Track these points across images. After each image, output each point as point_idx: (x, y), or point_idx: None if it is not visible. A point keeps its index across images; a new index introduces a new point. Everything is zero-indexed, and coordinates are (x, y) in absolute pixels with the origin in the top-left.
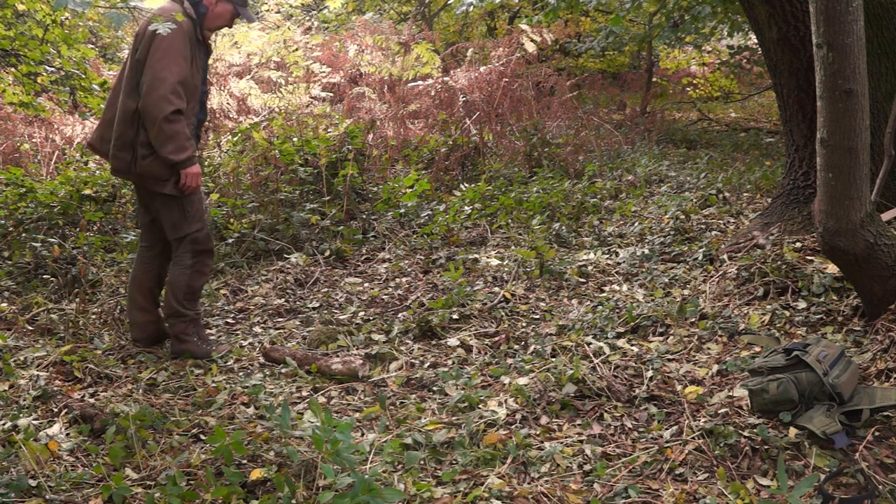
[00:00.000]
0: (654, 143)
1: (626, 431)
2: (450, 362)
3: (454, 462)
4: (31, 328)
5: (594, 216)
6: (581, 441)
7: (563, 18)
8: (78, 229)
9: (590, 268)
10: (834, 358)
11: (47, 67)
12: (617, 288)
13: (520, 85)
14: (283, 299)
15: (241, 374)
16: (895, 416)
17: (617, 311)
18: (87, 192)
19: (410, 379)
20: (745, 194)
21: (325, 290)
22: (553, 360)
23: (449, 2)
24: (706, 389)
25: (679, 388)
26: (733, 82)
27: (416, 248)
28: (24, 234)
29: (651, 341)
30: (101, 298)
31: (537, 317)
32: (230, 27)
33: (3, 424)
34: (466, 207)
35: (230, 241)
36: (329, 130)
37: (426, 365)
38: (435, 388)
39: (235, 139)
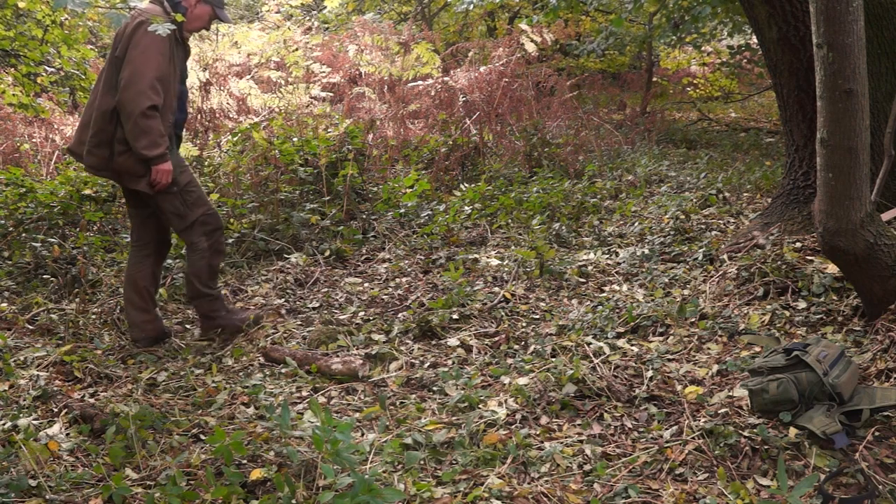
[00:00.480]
0: (654, 143)
1: (626, 431)
2: (450, 362)
3: (454, 462)
4: (31, 328)
5: (594, 216)
6: (581, 441)
7: (563, 18)
8: (78, 229)
9: (590, 268)
10: (834, 358)
11: (47, 68)
12: (617, 288)
13: (520, 85)
14: (283, 299)
15: (241, 374)
16: (895, 416)
17: (617, 311)
18: (87, 192)
19: (410, 379)
20: (745, 194)
21: (325, 290)
22: (553, 360)
23: (449, 2)
24: (706, 389)
25: (679, 388)
26: (733, 82)
27: (416, 248)
28: (24, 234)
29: (651, 341)
30: (101, 298)
31: (537, 317)
32: (207, 29)
33: (3, 424)
34: (466, 207)
35: (230, 241)
36: (329, 130)
37: (426, 365)
38: (435, 388)
39: (235, 139)
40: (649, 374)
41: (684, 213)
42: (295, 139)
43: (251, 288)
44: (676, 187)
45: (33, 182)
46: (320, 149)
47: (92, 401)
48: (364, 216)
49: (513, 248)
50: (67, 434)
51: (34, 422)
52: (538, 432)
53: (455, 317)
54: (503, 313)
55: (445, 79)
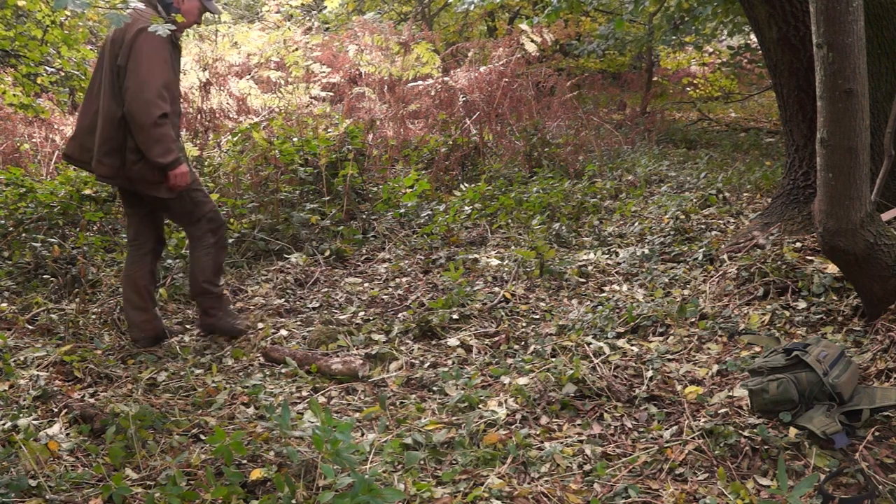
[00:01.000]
0: (654, 143)
1: (626, 431)
2: (450, 362)
3: (454, 462)
4: (31, 328)
5: (594, 216)
6: (581, 441)
7: (563, 18)
8: (78, 229)
9: (590, 268)
10: (834, 358)
11: (47, 68)
12: (617, 288)
13: (520, 85)
14: (283, 299)
15: (241, 374)
16: (895, 416)
17: (617, 311)
18: (87, 192)
19: (410, 379)
20: (745, 194)
21: (325, 290)
22: (553, 360)
23: (449, 2)
24: (706, 389)
25: (679, 388)
26: (733, 82)
27: (416, 248)
28: (24, 234)
29: (651, 341)
30: (101, 298)
31: (537, 317)
32: (199, 24)
33: (3, 424)
34: (466, 207)
35: (230, 241)
36: (329, 130)
37: (426, 365)
38: (435, 388)
39: (235, 139)
40: (649, 374)
41: (684, 213)
42: (295, 139)
43: (251, 288)
44: (676, 187)
45: (33, 182)
46: (320, 149)
47: (92, 401)
48: (364, 216)
49: (513, 248)
50: (67, 434)
51: (34, 422)
52: (538, 432)
53: (455, 317)
54: (503, 313)
55: (445, 79)
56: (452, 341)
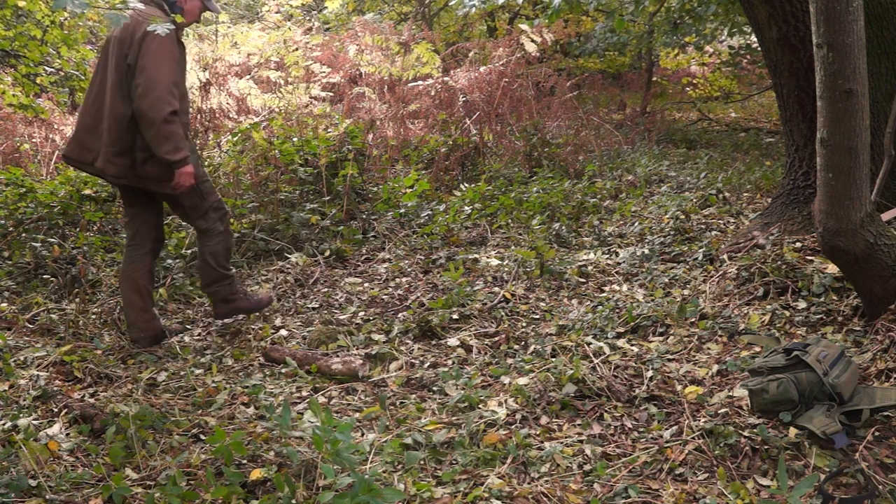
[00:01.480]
0: (654, 143)
1: (626, 431)
2: (450, 362)
3: (454, 462)
4: (31, 328)
5: (594, 216)
6: (581, 441)
7: (563, 18)
8: (78, 229)
9: (590, 268)
10: (834, 358)
11: (47, 68)
12: (617, 288)
13: (520, 85)
14: (282, 300)
15: (241, 374)
16: (895, 416)
17: (617, 311)
18: (87, 192)
19: (410, 379)
20: (745, 194)
21: (325, 290)
22: (553, 360)
23: (450, 3)
24: (706, 389)
25: (679, 388)
26: (733, 82)
27: (416, 248)
28: (24, 234)
29: (651, 341)
30: (101, 298)
31: (537, 317)
32: (199, 22)
33: (3, 424)
34: (466, 207)
35: None
36: (329, 130)
37: (426, 365)
38: (435, 388)
39: (235, 139)
40: (649, 374)
41: (684, 213)
42: (295, 139)
43: (251, 288)
44: (676, 187)
45: (33, 182)
46: (320, 149)
47: (92, 401)
48: (364, 216)
49: (513, 248)
50: (67, 434)
51: (34, 422)
52: (538, 432)
53: (455, 317)
54: (503, 313)
55: (445, 79)
56: (452, 341)
